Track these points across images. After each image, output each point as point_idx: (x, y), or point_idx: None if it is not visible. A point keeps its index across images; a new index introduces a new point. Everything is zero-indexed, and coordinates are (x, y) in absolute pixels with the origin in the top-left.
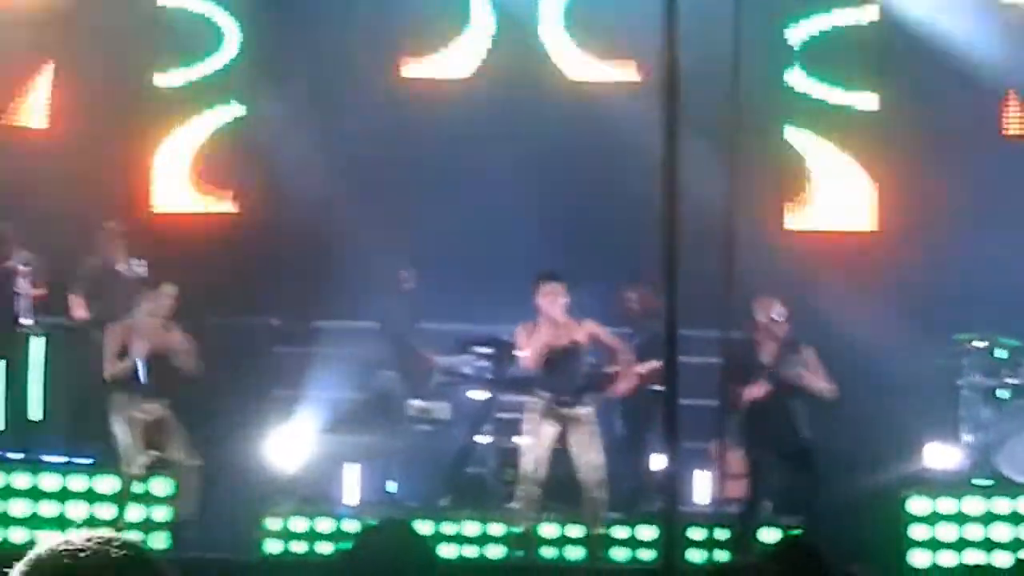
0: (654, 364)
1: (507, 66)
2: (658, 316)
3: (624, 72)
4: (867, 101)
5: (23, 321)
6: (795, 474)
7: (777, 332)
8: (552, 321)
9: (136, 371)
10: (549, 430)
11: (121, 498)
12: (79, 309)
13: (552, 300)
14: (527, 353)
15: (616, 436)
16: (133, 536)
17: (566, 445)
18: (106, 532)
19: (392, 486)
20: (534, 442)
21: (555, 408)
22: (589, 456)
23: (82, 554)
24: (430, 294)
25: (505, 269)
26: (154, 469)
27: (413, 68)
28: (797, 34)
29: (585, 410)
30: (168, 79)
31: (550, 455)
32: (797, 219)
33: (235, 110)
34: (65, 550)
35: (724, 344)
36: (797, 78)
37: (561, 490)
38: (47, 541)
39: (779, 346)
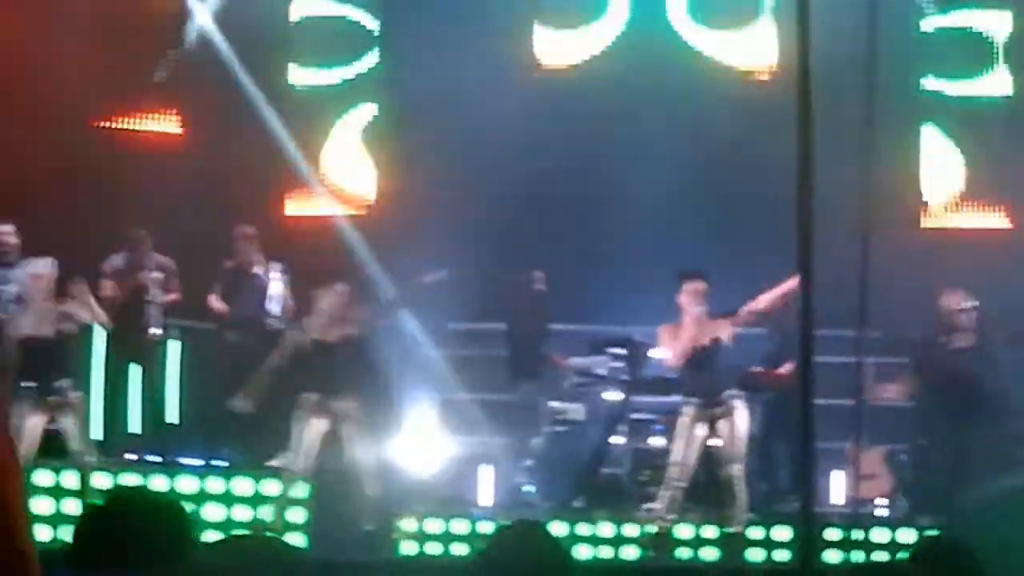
0: (790, 364)
1: (640, 54)
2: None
3: (759, 62)
4: (999, 93)
5: (153, 330)
6: (950, 470)
7: (966, 322)
8: (696, 320)
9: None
10: (700, 431)
11: (281, 499)
12: (220, 311)
13: (696, 299)
14: (671, 353)
15: (753, 436)
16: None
17: (714, 444)
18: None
19: (528, 487)
20: (685, 444)
21: (705, 409)
22: (735, 455)
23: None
24: (563, 295)
25: (640, 268)
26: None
27: (549, 58)
28: (931, 29)
29: (734, 408)
30: (304, 80)
31: (699, 456)
32: (930, 218)
33: (372, 110)
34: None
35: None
36: (932, 74)
37: (699, 491)
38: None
39: (973, 335)
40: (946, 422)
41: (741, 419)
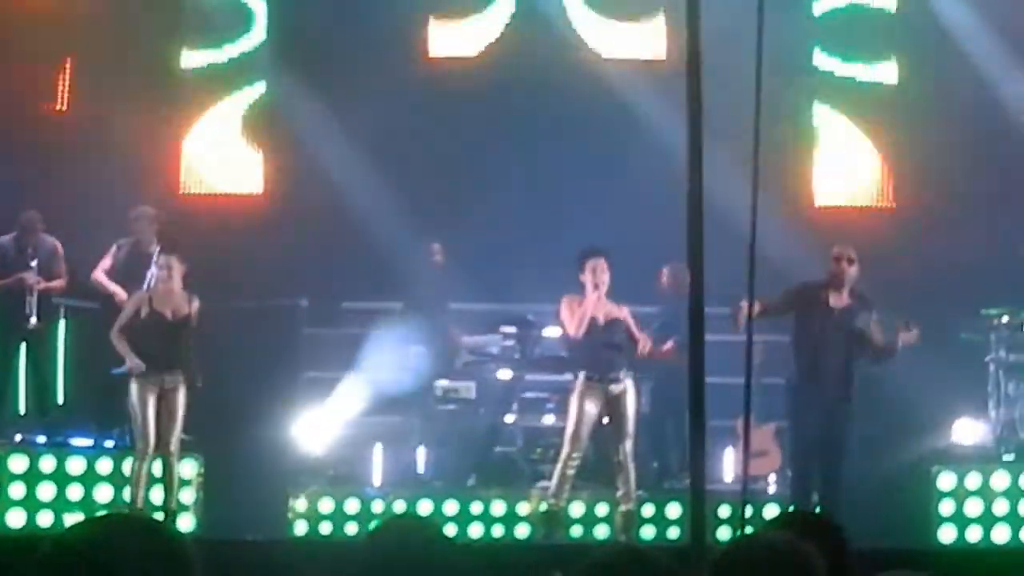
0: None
1: (531, 41)
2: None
3: (648, 49)
4: (888, 75)
5: (32, 320)
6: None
7: (847, 277)
8: (595, 297)
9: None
10: (592, 407)
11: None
12: (116, 291)
13: (596, 275)
14: (569, 325)
15: (644, 415)
16: (155, 516)
17: (606, 422)
18: (129, 512)
19: (420, 466)
20: (576, 420)
21: (598, 385)
22: (626, 432)
23: (104, 533)
24: (458, 273)
25: (533, 248)
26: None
27: (438, 45)
28: (820, 9)
29: (627, 386)
30: (194, 61)
31: (590, 433)
32: (822, 196)
33: (260, 90)
34: (88, 529)
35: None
36: (821, 54)
37: (591, 468)
38: (73, 522)
39: (850, 294)
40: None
41: (631, 397)
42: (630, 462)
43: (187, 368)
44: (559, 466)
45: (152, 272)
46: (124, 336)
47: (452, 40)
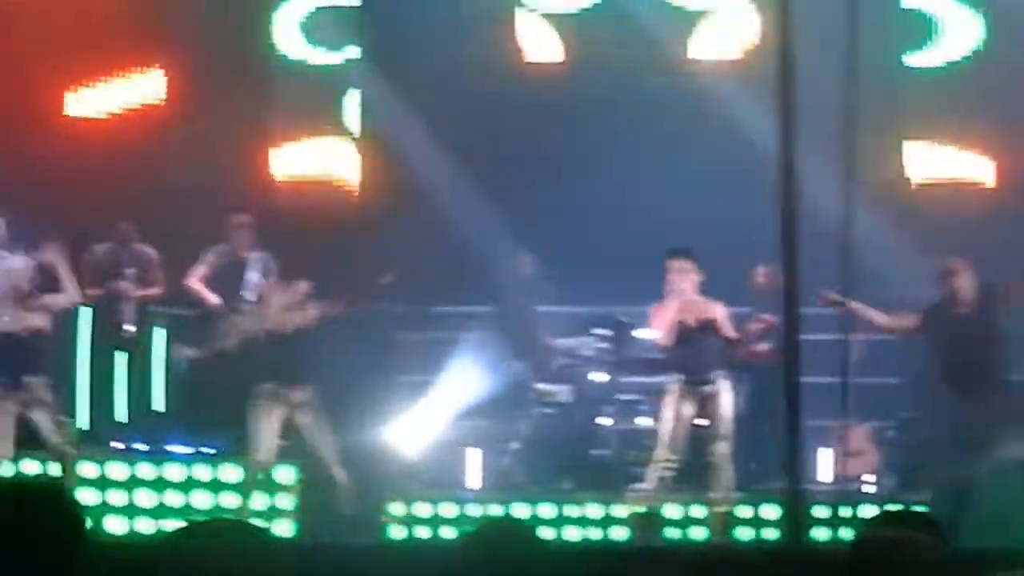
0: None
1: (618, 45)
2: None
3: (737, 47)
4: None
5: (127, 328)
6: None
7: (964, 287)
8: (682, 298)
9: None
10: (688, 410)
11: (247, 486)
12: (210, 298)
13: (682, 277)
14: (660, 332)
15: (739, 415)
16: (255, 522)
17: (701, 423)
18: (228, 519)
19: (515, 470)
20: (672, 423)
21: (691, 387)
22: (721, 434)
23: (204, 539)
24: (550, 276)
25: (625, 250)
26: (279, 456)
27: (530, 50)
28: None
29: (721, 387)
30: (291, 64)
31: (686, 435)
32: (916, 183)
33: (356, 95)
34: (188, 535)
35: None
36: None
37: (686, 470)
38: (172, 529)
39: (972, 301)
40: (944, 393)
41: (726, 398)
42: (726, 463)
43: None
44: (654, 468)
45: (250, 278)
46: None
47: (542, 44)
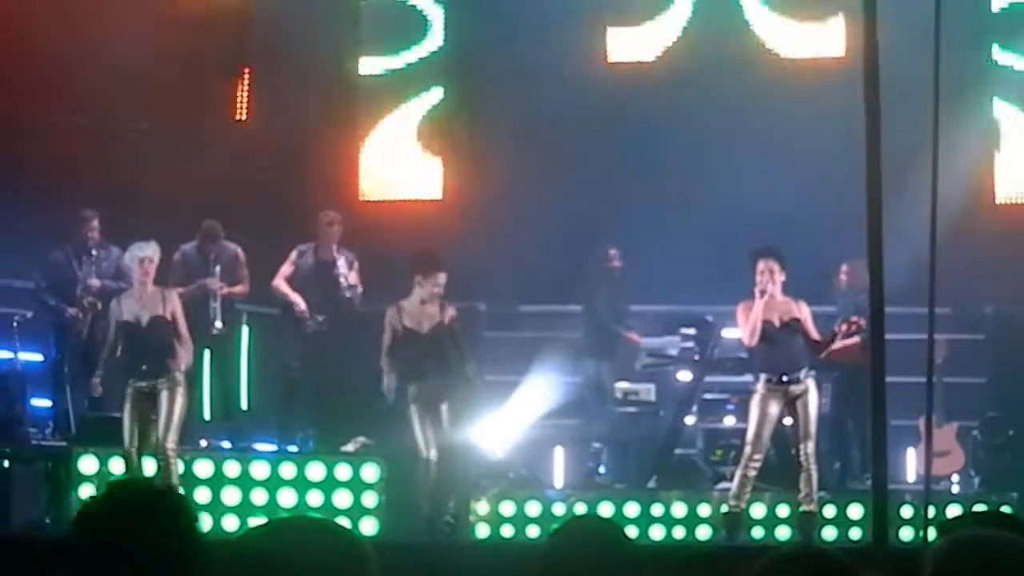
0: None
1: (710, 42)
2: (865, 290)
3: (827, 47)
4: None
5: (216, 324)
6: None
7: None
8: (768, 297)
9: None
10: (773, 409)
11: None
12: (295, 299)
13: (768, 276)
14: (745, 331)
15: (825, 414)
16: (340, 520)
17: (787, 423)
18: (313, 516)
19: (601, 469)
20: (758, 422)
21: (779, 387)
22: (808, 433)
23: (286, 535)
24: (636, 275)
25: (712, 250)
26: (364, 453)
27: (617, 51)
28: (999, 5)
29: (807, 386)
30: (372, 68)
31: (772, 434)
32: (1003, 193)
33: (438, 96)
34: (270, 532)
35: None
36: (1000, 51)
37: (772, 470)
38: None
39: None
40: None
41: (813, 398)
42: (812, 463)
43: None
44: (740, 468)
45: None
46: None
47: (631, 45)
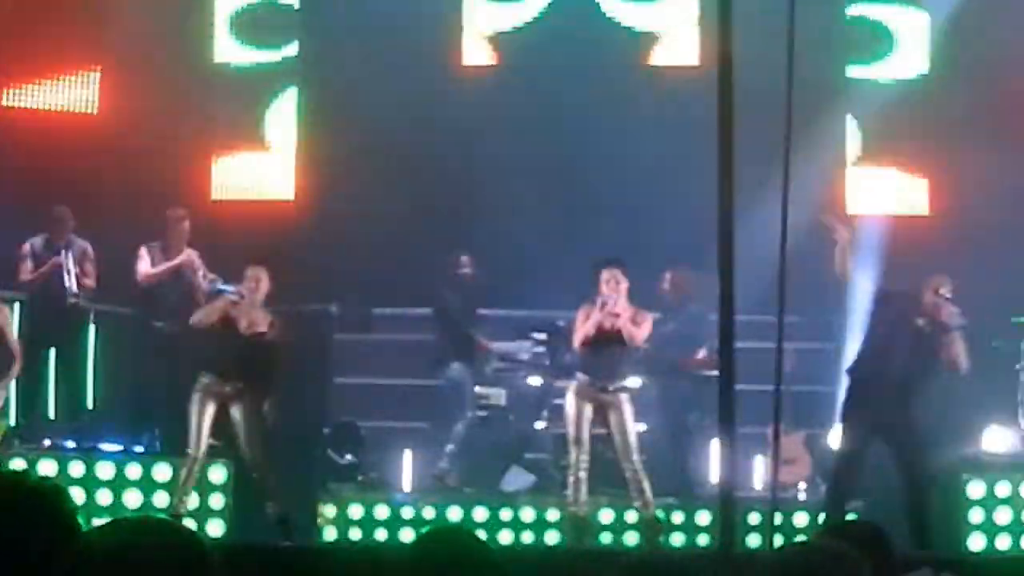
0: (704, 351)
1: (565, 41)
2: (692, 300)
3: (680, 55)
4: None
5: (72, 291)
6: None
7: (941, 311)
8: (606, 306)
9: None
10: (587, 410)
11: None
12: (143, 294)
13: (608, 286)
14: (578, 335)
15: (671, 421)
16: (185, 522)
17: (606, 428)
18: (156, 517)
19: (450, 472)
20: (576, 423)
21: (591, 390)
22: (628, 450)
23: (127, 536)
24: (487, 280)
25: (562, 255)
26: (212, 455)
27: (470, 54)
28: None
29: (619, 400)
30: (227, 65)
31: (588, 437)
32: (853, 205)
33: (292, 96)
34: (111, 532)
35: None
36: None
37: (613, 475)
38: (99, 525)
39: (938, 324)
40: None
41: (627, 413)
42: (641, 474)
43: (257, 384)
44: (571, 472)
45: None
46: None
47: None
